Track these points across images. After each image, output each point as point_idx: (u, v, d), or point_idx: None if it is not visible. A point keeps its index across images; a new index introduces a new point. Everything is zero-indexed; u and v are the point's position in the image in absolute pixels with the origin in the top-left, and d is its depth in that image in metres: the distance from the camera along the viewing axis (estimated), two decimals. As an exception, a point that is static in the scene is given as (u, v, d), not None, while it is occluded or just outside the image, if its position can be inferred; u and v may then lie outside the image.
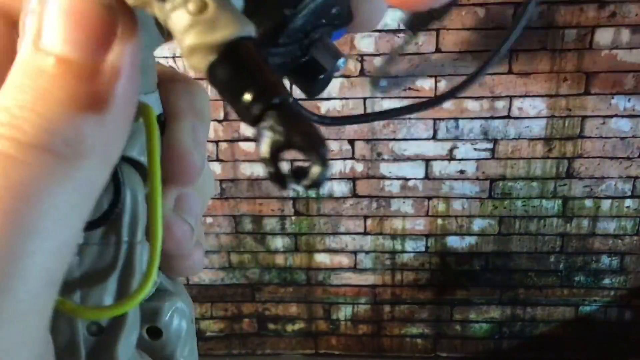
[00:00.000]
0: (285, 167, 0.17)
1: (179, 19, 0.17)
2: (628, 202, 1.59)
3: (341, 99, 1.54)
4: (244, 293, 1.78)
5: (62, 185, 0.16)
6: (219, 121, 1.57)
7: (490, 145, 1.56)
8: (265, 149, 0.17)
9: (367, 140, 1.58)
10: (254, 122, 0.17)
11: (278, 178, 0.17)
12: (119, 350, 0.23)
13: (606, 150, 1.55)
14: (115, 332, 0.23)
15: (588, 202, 1.60)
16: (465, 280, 1.72)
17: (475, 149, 1.57)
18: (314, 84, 0.25)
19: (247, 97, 0.17)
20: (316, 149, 0.17)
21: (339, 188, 1.63)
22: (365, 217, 1.66)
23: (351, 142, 1.58)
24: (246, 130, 1.58)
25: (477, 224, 1.65)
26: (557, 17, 1.44)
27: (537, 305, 1.74)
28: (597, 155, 1.55)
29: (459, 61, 1.49)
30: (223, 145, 1.60)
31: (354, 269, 1.73)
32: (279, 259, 1.73)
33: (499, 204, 1.62)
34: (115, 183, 0.22)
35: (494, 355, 1.81)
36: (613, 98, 1.50)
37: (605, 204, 1.60)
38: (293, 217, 1.68)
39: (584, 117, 1.52)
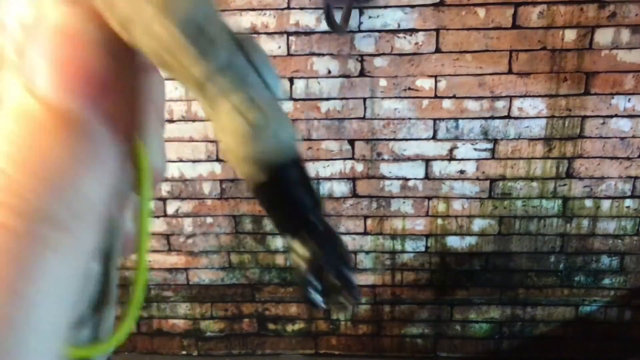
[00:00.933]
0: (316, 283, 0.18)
1: (234, 123, 0.17)
2: (628, 202, 1.59)
3: (341, 99, 1.54)
4: (244, 293, 1.78)
5: (60, 252, 0.14)
6: (219, 121, 1.57)
7: (490, 145, 1.56)
8: (303, 270, 0.18)
9: (367, 140, 1.58)
10: (295, 236, 0.18)
11: (310, 299, 0.18)
12: None
13: (606, 150, 1.55)
14: None
15: (588, 202, 1.60)
16: (465, 280, 1.72)
17: (475, 149, 1.57)
18: None
19: (287, 218, 0.18)
20: (349, 278, 0.18)
21: (339, 188, 1.63)
22: (365, 217, 1.66)
23: (351, 142, 1.58)
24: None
25: (477, 224, 1.65)
26: (557, 17, 1.44)
27: (537, 305, 1.74)
28: (597, 155, 1.55)
29: (459, 61, 1.49)
30: (223, 145, 1.59)
31: (354, 269, 1.73)
32: (279, 259, 1.73)
33: (499, 204, 1.62)
34: None
35: (494, 355, 1.81)
36: (613, 98, 1.50)
37: (605, 204, 1.60)
38: (293, 217, 1.67)
39: (584, 117, 1.52)
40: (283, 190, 0.18)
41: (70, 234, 0.15)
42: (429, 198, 1.63)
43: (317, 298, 0.18)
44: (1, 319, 0.14)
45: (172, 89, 1.55)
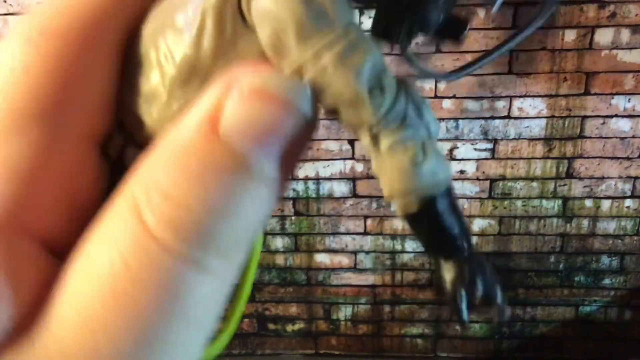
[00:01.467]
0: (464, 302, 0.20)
1: (394, 160, 0.19)
2: (628, 202, 1.59)
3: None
4: (244, 293, 1.78)
5: (216, 276, 0.16)
6: (219, 121, 1.57)
7: (490, 145, 1.56)
8: (454, 286, 0.20)
9: (367, 140, 1.58)
10: (446, 259, 0.21)
11: (462, 316, 0.21)
12: None
13: (606, 150, 1.55)
14: None
15: (588, 202, 1.60)
16: (465, 280, 1.72)
17: (475, 149, 1.57)
18: (461, 36, 0.27)
19: (436, 244, 0.20)
20: (495, 297, 0.20)
21: (339, 188, 1.63)
22: (365, 217, 1.66)
23: (351, 142, 1.58)
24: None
25: (477, 224, 1.65)
26: (557, 17, 1.44)
27: (537, 305, 1.74)
28: (597, 155, 1.55)
29: (459, 61, 1.49)
30: (223, 145, 1.60)
31: (354, 269, 1.73)
32: (279, 259, 1.73)
33: (499, 204, 1.63)
34: None
35: (494, 355, 1.81)
36: (613, 98, 1.50)
37: (605, 204, 1.60)
38: (293, 217, 1.68)
39: (584, 117, 1.52)
40: (432, 220, 0.19)
41: (229, 259, 0.16)
42: (429, 198, 1.63)
43: (464, 310, 0.20)
44: (153, 339, 0.15)
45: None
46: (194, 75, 0.18)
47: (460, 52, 1.48)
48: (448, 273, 0.20)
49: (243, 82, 0.16)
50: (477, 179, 1.60)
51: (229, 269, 0.16)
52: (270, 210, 0.18)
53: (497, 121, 1.54)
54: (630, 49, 1.45)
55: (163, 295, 0.15)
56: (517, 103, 1.52)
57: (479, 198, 1.62)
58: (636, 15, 1.42)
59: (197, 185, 0.15)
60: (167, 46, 0.18)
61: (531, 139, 1.55)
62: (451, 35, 0.26)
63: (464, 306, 0.20)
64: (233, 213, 0.16)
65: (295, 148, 0.17)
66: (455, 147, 1.57)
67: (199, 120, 0.16)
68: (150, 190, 0.15)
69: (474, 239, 1.67)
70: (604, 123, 1.53)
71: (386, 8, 0.23)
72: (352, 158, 1.60)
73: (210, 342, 0.22)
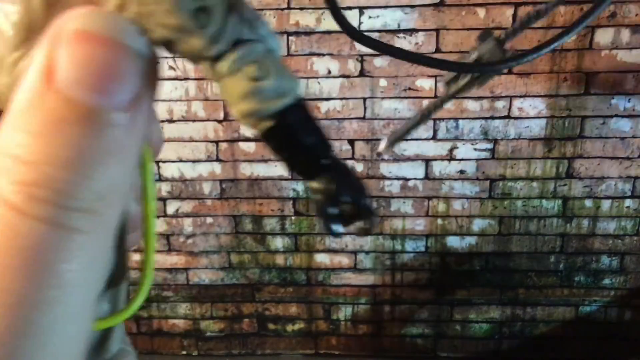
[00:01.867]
0: (335, 213, 0.20)
1: (236, 84, 0.19)
2: (628, 202, 1.59)
3: (341, 99, 1.55)
4: (244, 293, 1.78)
5: (90, 233, 0.15)
6: (219, 121, 1.57)
7: (490, 145, 1.56)
8: (321, 202, 0.20)
9: (367, 140, 1.58)
10: (311, 178, 0.20)
11: (332, 229, 0.21)
12: None
13: (606, 150, 1.55)
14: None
15: (588, 202, 1.60)
16: (465, 280, 1.72)
17: (475, 149, 1.57)
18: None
19: (297, 160, 0.20)
20: (365, 202, 0.20)
21: (339, 188, 1.63)
22: (365, 217, 1.66)
23: (351, 142, 1.58)
24: (246, 130, 1.58)
25: (477, 224, 1.65)
26: (557, 17, 1.44)
27: (537, 305, 1.74)
28: (597, 155, 1.55)
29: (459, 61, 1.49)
30: (223, 145, 1.60)
31: (354, 269, 1.73)
32: (279, 259, 1.73)
33: (499, 204, 1.62)
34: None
35: (494, 355, 1.81)
36: (613, 98, 1.50)
37: (605, 204, 1.60)
38: (293, 217, 1.68)
39: (584, 117, 1.52)
40: (288, 133, 0.19)
41: (97, 215, 0.16)
42: (429, 198, 1.63)
43: (336, 225, 0.20)
44: (39, 300, 0.14)
45: (172, 89, 1.55)
46: (31, 32, 0.18)
47: (460, 52, 1.48)
48: (315, 189, 0.20)
49: (68, 27, 0.16)
50: (477, 179, 1.60)
51: (101, 225, 0.16)
52: (136, 158, 0.17)
53: (497, 121, 1.54)
54: (630, 49, 1.45)
55: (28, 263, 0.14)
56: (517, 103, 1.52)
57: (479, 198, 1.62)
58: (636, 15, 1.42)
59: (42, 143, 0.15)
60: (2, 10, 0.18)
61: (531, 139, 1.55)
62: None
63: (333, 220, 0.21)
64: (88, 166, 0.15)
65: (145, 90, 0.17)
66: (455, 147, 1.57)
67: (34, 76, 0.16)
68: (1, 155, 0.15)
69: (474, 239, 1.67)
70: (604, 123, 1.53)
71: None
72: (352, 158, 1.60)
73: (125, 300, 0.22)
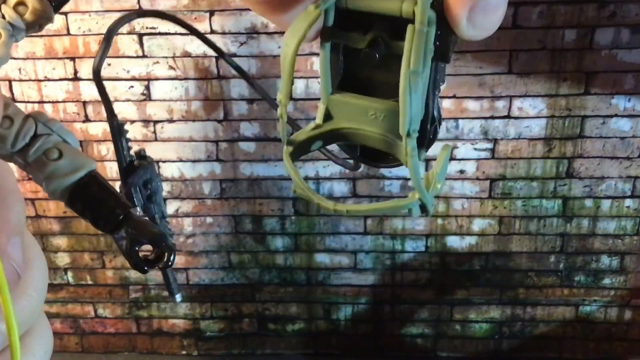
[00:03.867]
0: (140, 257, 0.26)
1: (42, 168, 0.23)
2: (628, 202, 1.59)
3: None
4: (244, 293, 1.78)
5: None
6: (219, 121, 1.57)
7: (490, 145, 1.56)
8: (127, 246, 0.25)
9: (367, 140, 1.58)
10: (113, 231, 0.25)
11: (138, 265, 0.26)
12: None
13: (606, 150, 1.55)
14: None
15: (588, 202, 1.60)
16: (465, 280, 1.72)
17: (475, 149, 1.57)
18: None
19: (104, 216, 0.25)
20: (163, 241, 0.26)
21: (339, 188, 1.63)
22: (365, 217, 1.66)
23: (351, 142, 1.58)
24: (246, 130, 1.58)
25: (477, 224, 1.65)
26: (557, 17, 1.44)
27: (537, 305, 1.74)
28: (597, 155, 1.55)
29: (459, 61, 1.49)
30: (223, 145, 1.59)
31: (354, 269, 1.73)
32: (279, 259, 1.73)
33: (499, 204, 1.62)
34: None
35: (494, 355, 1.81)
36: (613, 98, 1.50)
37: (605, 204, 1.60)
38: (293, 217, 1.68)
39: (584, 117, 1.52)
40: (89, 197, 0.25)
41: None
42: (429, 198, 1.63)
43: (141, 263, 0.27)
44: None
45: (172, 89, 1.55)
46: None
47: (459, 51, 1.48)
48: (118, 238, 0.25)
49: None
50: (477, 179, 1.60)
51: None
52: None
53: (497, 121, 1.54)
54: (630, 48, 1.45)
55: None
56: (517, 103, 1.52)
57: (479, 198, 1.62)
58: (636, 15, 1.42)
59: None
60: None
61: (531, 139, 1.55)
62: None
63: (140, 262, 0.26)
64: None
65: None
66: (455, 147, 1.57)
67: None
68: None
69: (474, 239, 1.67)
70: (604, 123, 1.52)
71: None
72: (352, 158, 1.59)
73: None
